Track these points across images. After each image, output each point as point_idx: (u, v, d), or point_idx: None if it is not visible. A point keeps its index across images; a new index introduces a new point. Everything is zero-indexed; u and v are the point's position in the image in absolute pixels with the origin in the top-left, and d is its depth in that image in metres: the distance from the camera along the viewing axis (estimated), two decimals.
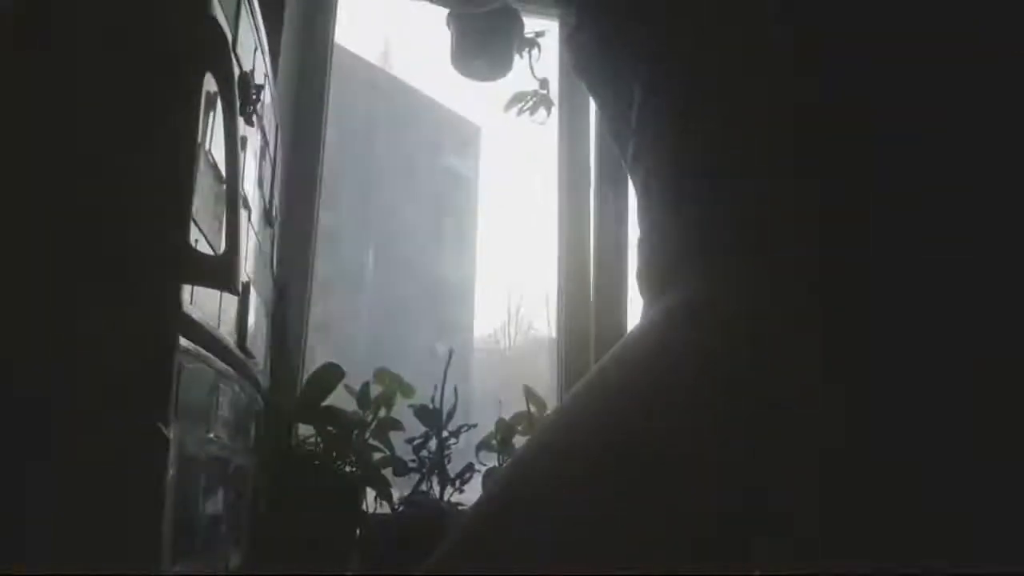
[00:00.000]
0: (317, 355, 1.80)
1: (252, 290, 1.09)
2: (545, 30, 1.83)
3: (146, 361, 0.71)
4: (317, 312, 1.81)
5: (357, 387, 1.56)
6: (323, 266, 1.89)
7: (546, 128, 1.85)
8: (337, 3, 1.86)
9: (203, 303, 0.82)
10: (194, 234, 0.76)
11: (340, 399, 1.55)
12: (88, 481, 0.70)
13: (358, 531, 1.48)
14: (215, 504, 0.98)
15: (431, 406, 1.58)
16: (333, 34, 1.85)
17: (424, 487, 1.56)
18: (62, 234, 0.72)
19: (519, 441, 1.63)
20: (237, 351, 1.01)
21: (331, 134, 1.91)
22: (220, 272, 0.78)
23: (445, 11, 1.42)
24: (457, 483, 1.57)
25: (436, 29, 1.82)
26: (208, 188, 0.81)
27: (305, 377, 1.66)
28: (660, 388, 0.49)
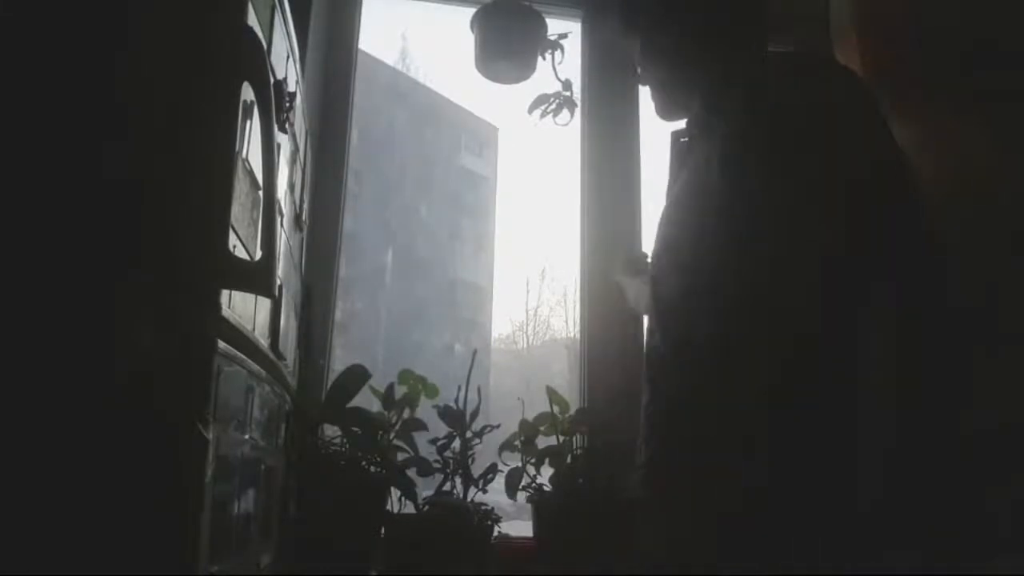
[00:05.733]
0: (337, 354, 1.82)
1: (284, 293, 1.11)
2: (568, 32, 1.83)
3: (188, 364, 0.73)
4: (336, 312, 1.83)
5: (376, 386, 1.57)
6: (343, 267, 1.90)
7: (564, 129, 1.85)
8: (361, 8, 1.87)
9: (238, 306, 0.84)
10: (232, 240, 0.78)
11: (364, 399, 1.56)
12: (130, 481, 0.71)
13: (383, 531, 1.50)
14: (248, 504, 1.00)
15: (454, 407, 1.58)
16: (357, 40, 1.86)
17: (448, 487, 1.57)
18: (107, 238, 0.73)
19: (542, 442, 1.64)
20: (270, 353, 1.02)
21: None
22: (258, 277, 0.79)
23: (462, 13, 1.42)
24: (481, 483, 1.57)
25: (454, 32, 1.83)
26: (244, 195, 0.82)
27: (329, 377, 1.67)
28: None
